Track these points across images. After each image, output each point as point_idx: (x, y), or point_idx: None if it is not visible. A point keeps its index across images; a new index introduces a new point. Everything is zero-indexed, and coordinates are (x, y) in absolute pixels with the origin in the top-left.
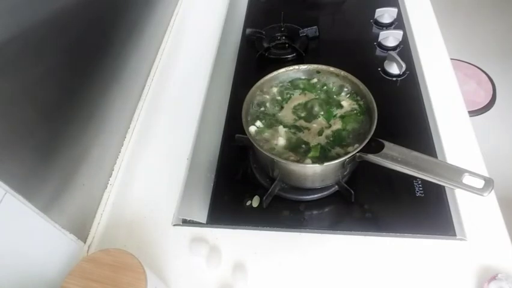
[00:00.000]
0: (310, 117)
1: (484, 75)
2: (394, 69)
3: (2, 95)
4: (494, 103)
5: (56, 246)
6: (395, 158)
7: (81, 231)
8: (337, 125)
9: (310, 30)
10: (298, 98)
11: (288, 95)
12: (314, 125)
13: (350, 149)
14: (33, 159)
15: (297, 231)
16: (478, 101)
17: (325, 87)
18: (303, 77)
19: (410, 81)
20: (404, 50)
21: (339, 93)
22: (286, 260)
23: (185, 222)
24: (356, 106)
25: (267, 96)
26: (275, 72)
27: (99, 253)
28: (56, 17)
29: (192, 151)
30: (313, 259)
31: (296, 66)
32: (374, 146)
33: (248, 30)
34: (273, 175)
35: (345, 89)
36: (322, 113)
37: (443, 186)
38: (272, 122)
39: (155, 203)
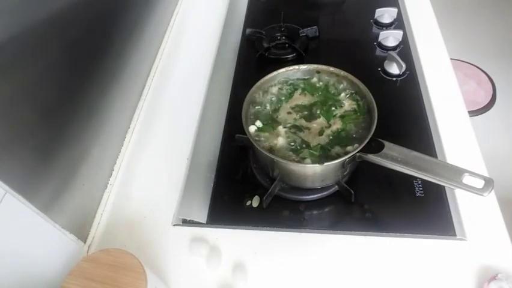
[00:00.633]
0: (311, 117)
1: (484, 75)
2: (394, 69)
3: (2, 95)
4: (494, 103)
5: (56, 246)
6: (395, 158)
7: (81, 231)
8: (337, 125)
9: (310, 30)
10: (298, 98)
11: (288, 95)
12: (314, 125)
13: (349, 149)
14: (33, 159)
15: (297, 231)
16: (478, 101)
17: (325, 87)
18: (303, 77)
19: (410, 81)
20: (404, 50)
21: (339, 93)
22: (286, 260)
23: (185, 222)
24: (356, 106)
25: (267, 96)
26: (275, 72)
27: (99, 253)
28: (56, 17)
29: (191, 151)
30: (313, 259)
31: (296, 66)
32: (374, 146)
33: (248, 30)
34: (273, 175)
35: (345, 89)
36: (322, 113)
37: (443, 186)
38: (272, 122)
39: (155, 203)
